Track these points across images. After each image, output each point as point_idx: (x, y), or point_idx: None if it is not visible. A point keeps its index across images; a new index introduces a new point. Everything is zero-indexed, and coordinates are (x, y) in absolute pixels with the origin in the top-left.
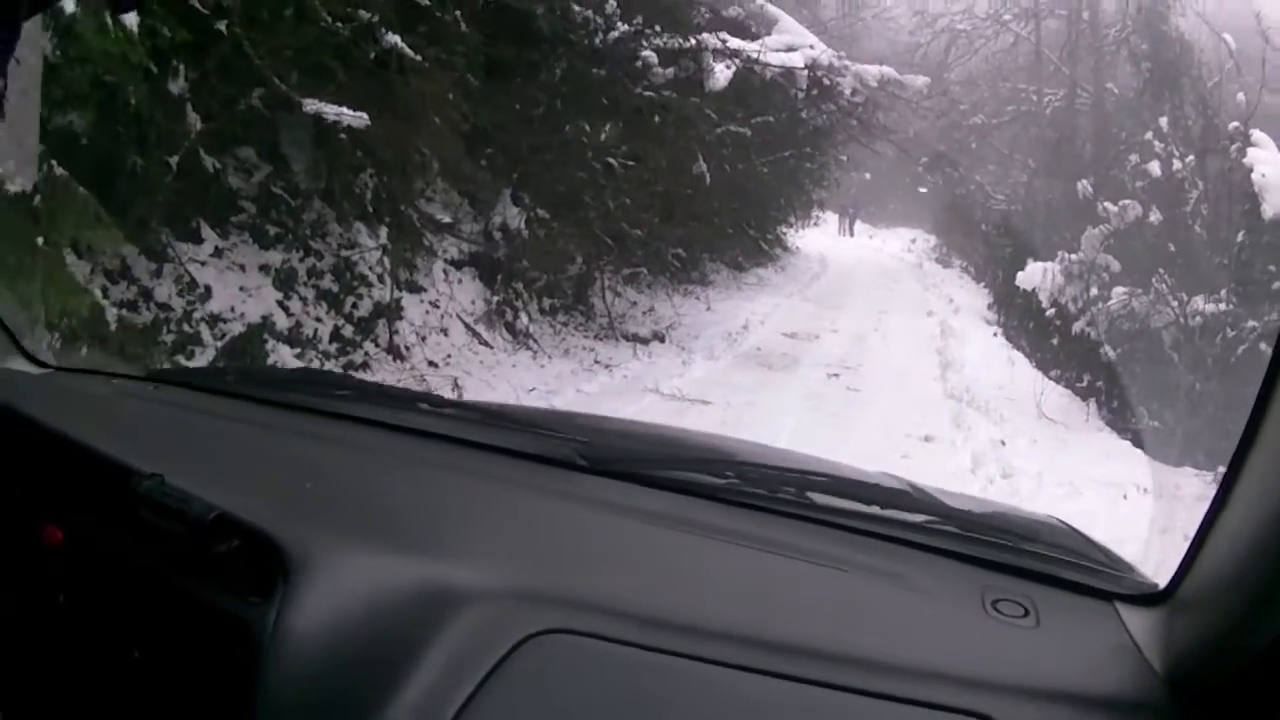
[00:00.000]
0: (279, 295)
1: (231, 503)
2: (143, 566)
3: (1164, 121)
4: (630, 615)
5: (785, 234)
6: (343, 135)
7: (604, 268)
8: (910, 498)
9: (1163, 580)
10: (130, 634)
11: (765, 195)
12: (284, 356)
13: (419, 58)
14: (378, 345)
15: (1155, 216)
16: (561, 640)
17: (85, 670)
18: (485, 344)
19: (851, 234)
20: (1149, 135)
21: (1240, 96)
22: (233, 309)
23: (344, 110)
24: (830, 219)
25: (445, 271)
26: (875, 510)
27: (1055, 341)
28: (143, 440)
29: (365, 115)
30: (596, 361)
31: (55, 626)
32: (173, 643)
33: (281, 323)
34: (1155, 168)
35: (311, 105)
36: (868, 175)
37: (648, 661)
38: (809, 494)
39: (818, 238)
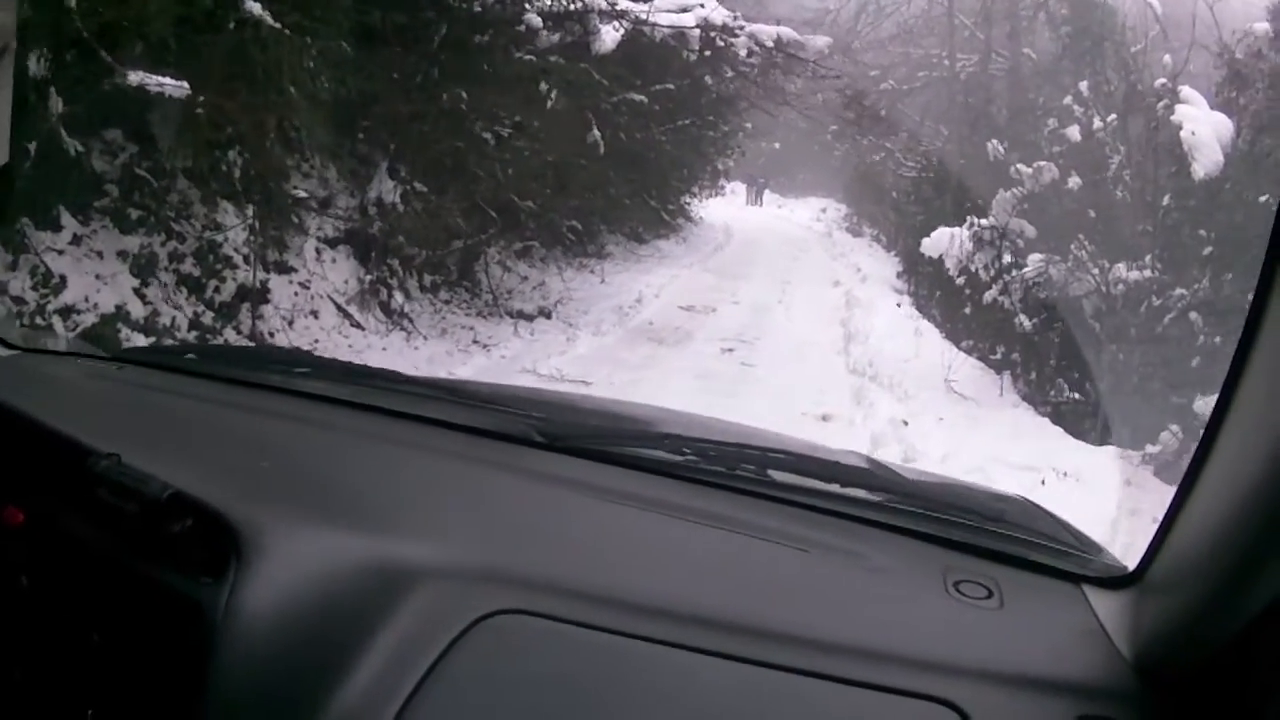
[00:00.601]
0: (135, 282)
1: (187, 482)
2: (101, 547)
3: (1084, 86)
4: (585, 595)
5: (689, 204)
6: (199, 110)
7: (490, 241)
8: (872, 475)
9: (1131, 563)
10: (90, 616)
11: (666, 165)
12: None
13: (278, 24)
14: (239, 332)
15: (1074, 181)
16: (516, 621)
17: (46, 654)
18: (357, 326)
19: (760, 203)
20: (1068, 99)
21: (1166, 59)
22: (87, 299)
23: (165, 81)
24: (739, 189)
25: (318, 250)
26: (836, 488)
27: (967, 311)
28: (104, 420)
29: (186, 84)
30: (475, 341)
31: (18, 609)
32: (130, 624)
33: (137, 311)
34: (1074, 132)
35: (135, 77)
36: (777, 144)
37: (602, 643)
38: (769, 471)
39: (724, 208)
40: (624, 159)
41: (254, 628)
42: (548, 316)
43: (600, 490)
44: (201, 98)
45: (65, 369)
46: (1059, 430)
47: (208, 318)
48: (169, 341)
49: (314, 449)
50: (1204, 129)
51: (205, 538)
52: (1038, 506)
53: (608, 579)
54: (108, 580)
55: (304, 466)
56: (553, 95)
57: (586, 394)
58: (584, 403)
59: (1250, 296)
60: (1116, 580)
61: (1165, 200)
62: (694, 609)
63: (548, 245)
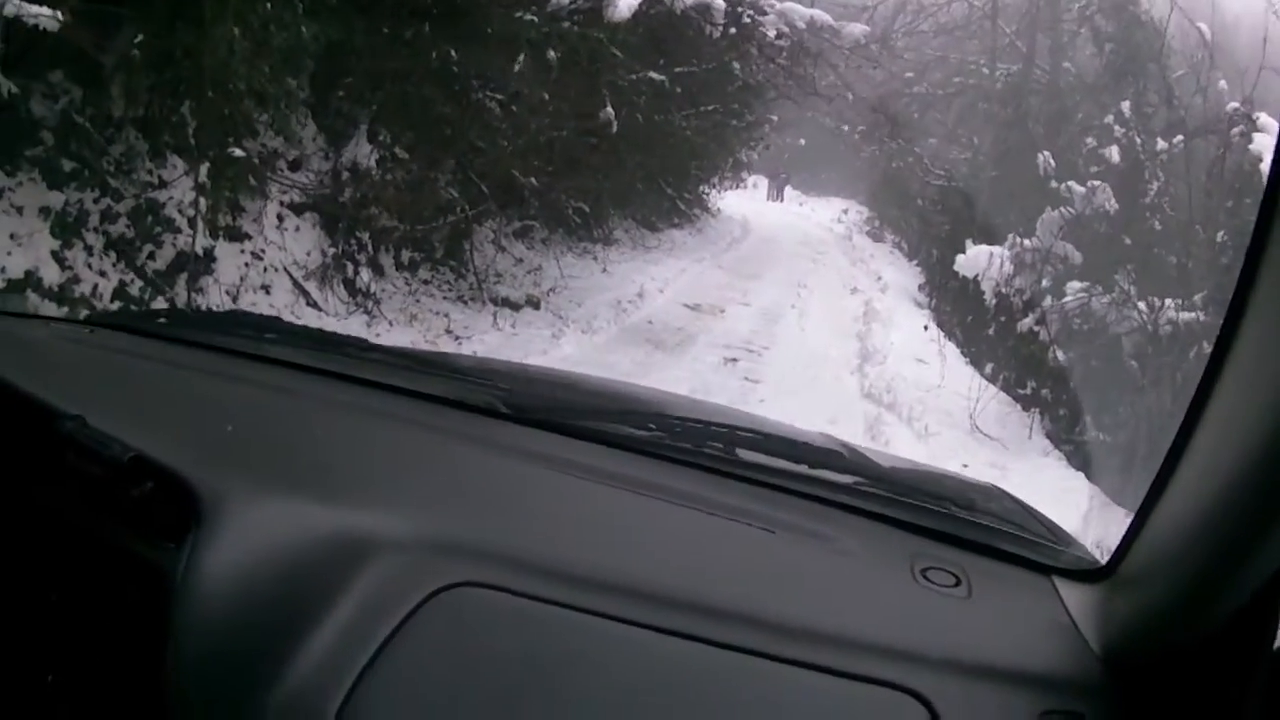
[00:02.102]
0: (55, 244)
1: (151, 445)
2: (64, 509)
3: (1126, 106)
4: (545, 570)
5: (707, 195)
6: (135, 52)
7: (480, 219)
8: (842, 458)
9: (1104, 557)
10: (51, 577)
11: (686, 152)
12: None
13: None
14: (173, 306)
15: (1111, 205)
16: (473, 594)
17: (5, 614)
18: (314, 305)
19: (781, 200)
20: (1109, 119)
21: (1222, 84)
22: None
23: (41, 11)
24: (761, 183)
25: (280, 217)
26: (804, 469)
27: (991, 332)
28: (72, 383)
29: (59, 14)
30: (447, 331)
31: None
32: (91, 587)
33: (51, 277)
34: (1113, 153)
35: (13, 7)
36: (802, 141)
37: (560, 618)
38: (736, 450)
39: (744, 201)
40: (640, 141)
41: (212, 593)
42: (536, 306)
43: (564, 464)
44: (139, 37)
45: (36, 331)
46: (1095, 489)
47: (135, 287)
48: (83, 313)
49: (279, 415)
50: None
51: (167, 502)
52: (1010, 496)
53: (567, 554)
54: (71, 542)
55: (268, 433)
56: (560, 64)
57: (553, 367)
58: (550, 375)
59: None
60: (1088, 573)
61: (1220, 236)
62: (655, 586)
63: (550, 227)
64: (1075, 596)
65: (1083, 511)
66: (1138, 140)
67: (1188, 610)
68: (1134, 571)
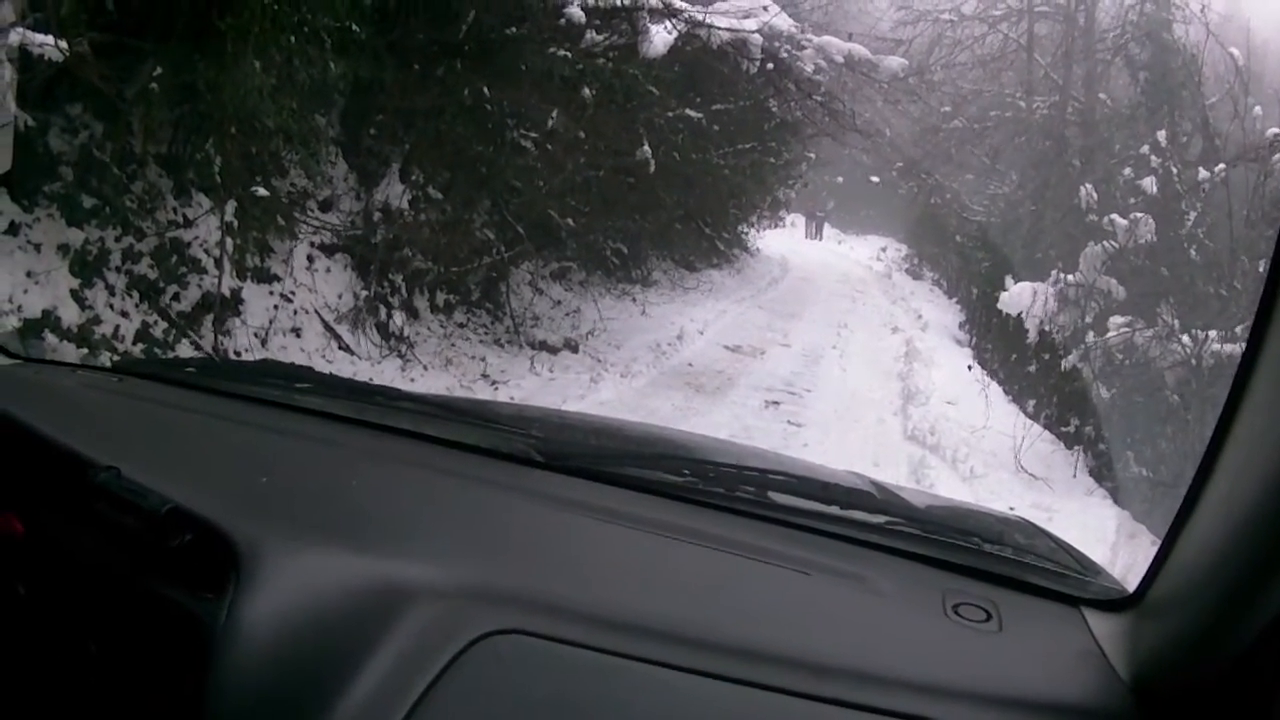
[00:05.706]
0: (74, 283)
1: (187, 496)
2: (100, 559)
3: (1161, 135)
4: (584, 616)
5: (746, 234)
6: (153, 85)
7: (516, 260)
8: (872, 498)
9: (1131, 585)
10: (87, 627)
11: (724, 191)
12: (66, 359)
13: None
14: (199, 349)
15: (1151, 237)
16: (514, 641)
17: (42, 663)
18: (346, 348)
19: (819, 238)
20: (1145, 149)
21: (1258, 110)
22: (10, 299)
23: (46, 40)
24: (799, 221)
25: (310, 258)
26: (836, 510)
27: (1033, 369)
28: (104, 433)
29: (62, 44)
30: (483, 375)
31: (14, 618)
32: (129, 636)
33: (70, 317)
34: (1150, 183)
35: (16, 35)
36: (840, 178)
37: (601, 664)
38: (769, 493)
39: (783, 240)
40: (678, 180)
41: (252, 644)
42: (574, 350)
43: (599, 510)
44: (158, 70)
45: (65, 379)
46: (1140, 526)
47: (159, 329)
48: (104, 355)
49: (313, 465)
50: None
51: (205, 553)
52: (1038, 528)
53: (606, 600)
54: (107, 592)
55: (303, 483)
56: (595, 101)
57: (584, 412)
58: (582, 421)
59: None
60: (1115, 602)
61: (1262, 266)
62: (692, 631)
63: (587, 268)
64: (1104, 626)
65: (1129, 550)
66: (1174, 170)
67: (1215, 636)
68: (1161, 599)
